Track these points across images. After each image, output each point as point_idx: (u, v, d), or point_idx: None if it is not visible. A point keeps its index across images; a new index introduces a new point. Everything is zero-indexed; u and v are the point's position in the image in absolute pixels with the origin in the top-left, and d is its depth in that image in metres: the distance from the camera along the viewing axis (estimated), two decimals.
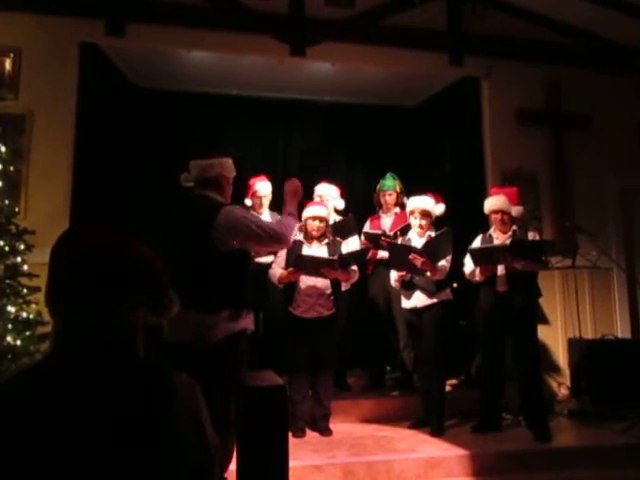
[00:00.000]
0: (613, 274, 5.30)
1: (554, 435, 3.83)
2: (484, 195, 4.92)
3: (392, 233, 4.28)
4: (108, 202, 4.63)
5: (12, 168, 3.78)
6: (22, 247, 3.57)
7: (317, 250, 3.90)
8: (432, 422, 3.93)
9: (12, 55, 4.34)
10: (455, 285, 4.27)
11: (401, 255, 3.82)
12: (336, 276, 3.82)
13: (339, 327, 4.07)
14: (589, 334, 5.01)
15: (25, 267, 3.56)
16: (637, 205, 5.65)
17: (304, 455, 3.44)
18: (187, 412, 1.03)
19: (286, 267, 3.85)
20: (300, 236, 4.00)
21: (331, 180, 4.64)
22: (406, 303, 4.02)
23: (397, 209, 4.66)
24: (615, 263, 5.13)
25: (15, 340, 3.36)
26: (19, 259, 3.55)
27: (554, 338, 5.07)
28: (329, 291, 3.87)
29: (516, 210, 4.00)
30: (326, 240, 3.95)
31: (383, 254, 4.36)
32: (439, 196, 4.29)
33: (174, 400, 1.01)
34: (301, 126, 6.14)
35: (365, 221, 4.83)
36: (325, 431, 3.89)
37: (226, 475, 2.54)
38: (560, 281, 5.07)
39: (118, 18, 4.57)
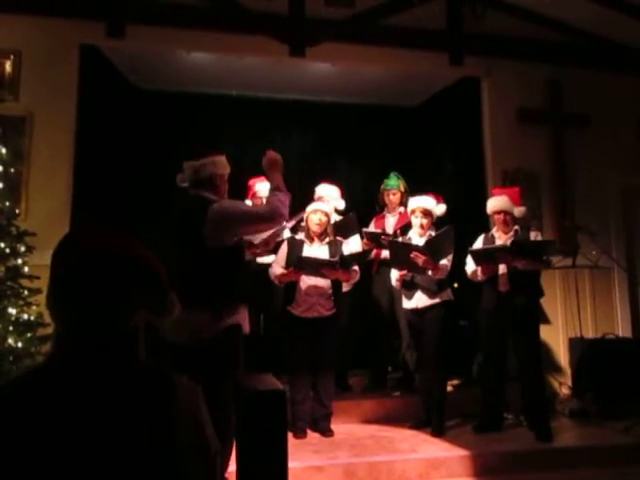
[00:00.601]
0: (614, 273, 5.29)
1: (555, 435, 3.83)
2: (484, 195, 4.93)
3: (392, 232, 4.27)
4: (109, 203, 4.64)
5: (12, 170, 3.78)
6: (23, 249, 3.57)
7: (318, 249, 3.90)
8: (433, 422, 3.93)
9: (12, 57, 4.34)
10: (456, 285, 4.27)
11: (402, 253, 3.81)
12: (337, 277, 3.83)
13: (340, 327, 4.07)
14: (590, 333, 5.00)
15: (26, 269, 3.56)
16: (638, 204, 5.64)
17: (305, 456, 3.44)
18: (188, 414, 1.03)
19: (286, 266, 3.85)
20: (301, 235, 4.00)
21: (331, 181, 4.64)
22: (407, 303, 4.02)
23: (401, 208, 4.66)
24: (616, 262, 5.12)
25: (16, 342, 3.36)
26: (20, 261, 3.55)
27: (555, 338, 5.07)
28: (330, 291, 3.87)
29: (518, 210, 4.00)
30: (327, 239, 3.95)
31: (387, 254, 4.37)
32: (440, 197, 4.29)
33: (175, 402, 1.01)
34: (301, 127, 6.14)
35: (366, 221, 4.84)
36: (326, 431, 3.89)
37: (226, 475, 2.55)
38: (561, 281, 5.07)
39: (118, 20, 4.57)
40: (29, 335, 3.46)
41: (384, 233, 4.23)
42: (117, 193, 4.88)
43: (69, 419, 0.95)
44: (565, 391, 4.83)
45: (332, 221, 4.17)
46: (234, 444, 2.51)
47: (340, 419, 4.14)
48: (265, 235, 3.19)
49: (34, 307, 3.56)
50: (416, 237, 4.01)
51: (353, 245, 4.23)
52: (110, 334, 1.03)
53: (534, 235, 4.00)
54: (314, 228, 3.90)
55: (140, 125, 5.41)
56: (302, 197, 4.88)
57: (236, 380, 2.56)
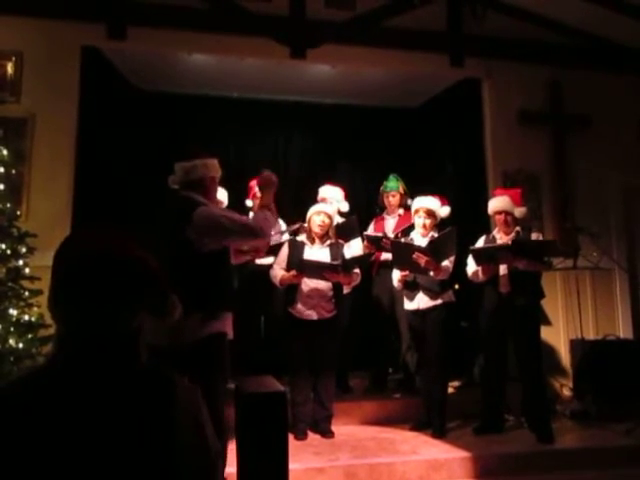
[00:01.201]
0: (615, 274, 5.29)
1: (556, 436, 3.82)
2: (485, 196, 4.93)
3: (393, 235, 4.27)
4: (110, 205, 4.64)
5: (14, 171, 3.79)
6: (24, 250, 3.58)
7: (319, 252, 3.90)
8: (434, 424, 3.93)
9: (14, 58, 4.35)
10: (457, 286, 4.27)
11: (405, 254, 3.81)
12: (338, 279, 3.82)
13: (341, 329, 4.07)
14: (591, 335, 5.00)
15: (27, 270, 3.57)
16: (639, 205, 5.64)
17: (306, 458, 3.44)
18: (188, 415, 1.03)
19: (287, 269, 3.85)
20: (302, 237, 4.00)
21: (334, 182, 4.64)
22: (409, 304, 4.01)
23: (401, 210, 4.66)
24: (617, 263, 5.12)
25: (17, 343, 3.37)
26: (21, 262, 3.56)
27: (556, 339, 5.07)
28: (330, 293, 3.87)
29: (519, 211, 4.00)
30: (329, 241, 3.95)
31: (387, 256, 4.37)
32: (445, 199, 4.29)
33: (175, 403, 1.02)
34: (302, 128, 6.15)
35: (368, 223, 4.84)
36: (327, 433, 3.89)
37: (226, 476, 2.55)
38: (562, 282, 5.07)
39: (119, 21, 4.58)
40: (30, 336, 3.46)
41: (385, 237, 4.23)
42: (118, 194, 4.88)
43: (70, 420, 0.95)
44: (566, 392, 4.82)
45: (335, 222, 4.17)
46: (228, 446, 2.51)
47: (341, 420, 4.14)
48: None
49: (35, 308, 3.56)
50: (418, 237, 4.01)
51: (354, 248, 4.23)
52: (111, 335, 1.03)
53: (535, 236, 4.00)
54: (316, 230, 3.90)
55: (141, 127, 5.42)
56: (303, 198, 4.89)
57: (225, 384, 2.55)
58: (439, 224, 4.10)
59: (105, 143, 4.81)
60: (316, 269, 3.74)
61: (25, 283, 3.54)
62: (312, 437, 3.88)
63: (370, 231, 4.65)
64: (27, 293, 3.53)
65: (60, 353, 1.05)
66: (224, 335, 2.62)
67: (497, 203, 4.01)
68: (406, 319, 4.18)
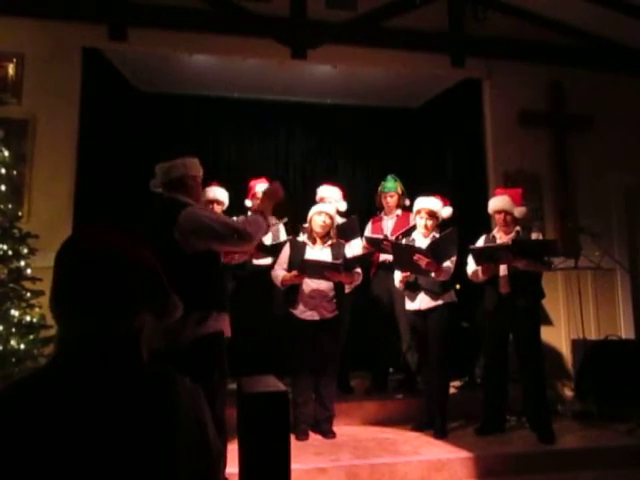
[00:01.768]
0: (616, 274, 5.29)
1: (558, 437, 3.82)
2: (486, 196, 4.92)
3: (394, 237, 4.27)
4: (111, 206, 4.65)
5: (15, 172, 3.80)
6: (25, 251, 3.58)
7: (321, 252, 3.90)
8: (436, 424, 3.92)
9: (15, 60, 4.36)
10: (458, 287, 4.26)
11: (406, 255, 3.81)
12: (340, 279, 3.82)
13: (342, 329, 4.06)
14: (593, 335, 5.00)
15: (28, 271, 3.57)
16: None
17: (307, 458, 3.44)
18: (190, 415, 1.03)
19: (289, 269, 3.85)
20: (304, 237, 4.00)
21: (333, 182, 4.64)
22: (410, 305, 4.01)
23: (399, 211, 4.66)
24: (618, 263, 5.12)
25: (18, 344, 3.37)
26: (22, 263, 3.56)
27: (558, 339, 5.07)
28: (332, 293, 3.87)
29: (519, 211, 3.99)
30: (330, 241, 3.95)
31: (385, 256, 4.37)
32: (447, 199, 4.29)
33: (177, 403, 1.02)
34: (303, 128, 6.16)
35: (367, 223, 4.84)
36: (328, 434, 3.89)
37: (227, 476, 2.55)
38: (563, 282, 5.07)
39: (120, 23, 4.59)
40: (31, 337, 3.46)
41: (386, 238, 4.23)
42: (119, 195, 4.89)
43: (72, 421, 0.96)
44: (568, 393, 4.82)
45: (335, 222, 4.17)
46: (227, 446, 2.51)
47: (342, 421, 4.14)
48: None
49: (37, 309, 3.57)
50: (420, 238, 4.01)
51: (355, 248, 4.23)
52: (113, 335, 1.04)
53: (535, 236, 4.00)
54: (318, 230, 3.90)
55: (142, 127, 5.43)
56: (304, 199, 4.90)
57: (224, 383, 2.54)
58: (441, 224, 4.09)
59: (106, 144, 4.82)
60: (317, 269, 3.74)
61: (27, 284, 3.54)
62: (313, 437, 3.88)
63: (368, 232, 4.64)
64: (29, 294, 3.53)
65: (61, 354, 1.05)
66: (221, 334, 2.62)
67: (496, 202, 4.01)
68: (407, 319, 4.18)
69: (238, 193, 4.63)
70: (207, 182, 3.82)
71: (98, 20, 4.55)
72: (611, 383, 4.44)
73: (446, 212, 4.15)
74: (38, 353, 3.48)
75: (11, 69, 4.34)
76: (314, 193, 4.56)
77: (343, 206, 4.54)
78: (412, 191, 4.63)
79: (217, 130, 5.77)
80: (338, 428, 3.98)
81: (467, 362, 4.83)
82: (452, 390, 4.50)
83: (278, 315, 4.24)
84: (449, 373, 4.10)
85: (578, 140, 5.36)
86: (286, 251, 3.92)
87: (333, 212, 3.98)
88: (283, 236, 4.47)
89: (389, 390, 4.72)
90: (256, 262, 4.29)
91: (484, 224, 4.68)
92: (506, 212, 3.95)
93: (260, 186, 4.61)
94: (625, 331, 5.23)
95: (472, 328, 4.76)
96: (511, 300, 3.86)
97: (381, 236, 4.36)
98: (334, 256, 3.87)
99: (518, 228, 4.00)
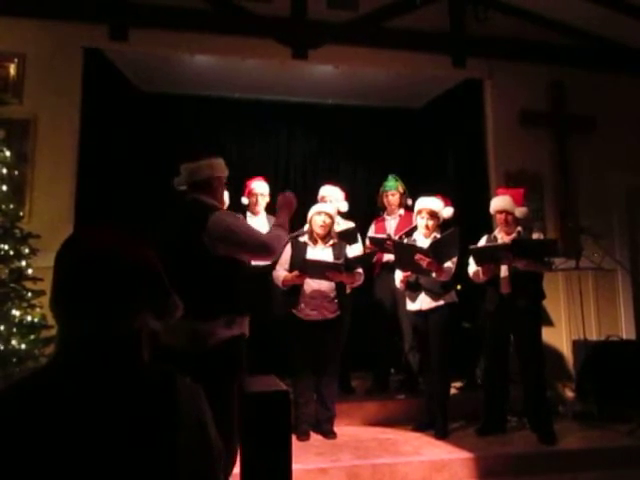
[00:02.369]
0: (617, 275, 5.28)
1: (559, 437, 3.81)
2: (488, 196, 4.92)
3: (397, 237, 4.27)
4: (112, 206, 4.65)
5: (17, 172, 3.80)
6: (26, 251, 3.58)
7: (322, 252, 3.90)
8: (437, 425, 3.92)
9: (16, 60, 4.36)
10: (459, 287, 4.26)
11: (407, 255, 3.81)
12: (341, 279, 3.82)
13: (344, 329, 4.06)
14: (594, 336, 4.99)
15: (29, 271, 3.57)
16: None
17: (308, 458, 3.44)
18: (191, 415, 1.03)
19: (290, 269, 3.85)
20: (305, 237, 4.00)
21: (335, 183, 4.65)
22: (411, 305, 4.01)
23: (401, 211, 4.67)
24: (619, 264, 5.11)
25: (19, 344, 3.37)
26: (24, 263, 3.56)
27: (558, 340, 5.06)
28: (334, 294, 3.87)
29: (520, 211, 3.99)
30: (331, 241, 3.95)
31: (389, 257, 4.36)
32: (448, 199, 4.29)
33: (178, 404, 1.02)
34: (304, 129, 6.15)
35: (368, 223, 4.84)
36: (329, 434, 3.89)
37: (230, 479, 2.55)
38: (564, 282, 5.06)
39: (121, 23, 4.59)
40: (32, 337, 3.46)
41: (389, 238, 4.23)
42: (120, 195, 4.89)
43: (72, 421, 0.96)
44: (568, 393, 4.82)
45: (335, 222, 4.17)
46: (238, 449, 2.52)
47: (343, 421, 4.14)
48: None
49: (38, 309, 3.57)
50: (421, 238, 4.01)
51: (356, 250, 4.23)
52: (113, 335, 1.04)
53: (537, 236, 3.99)
54: (318, 230, 3.90)
55: (143, 128, 5.43)
56: (306, 199, 4.89)
57: (239, 385, 2.56)
58: (442, 225, 4.09)
59: (107, 144, 4.82)
60: (319, 269, 3.74)
61: (28, 284, 3.55)
62: (314, 438, 3.88)
63: (371, 232, 4.65)
64: (30, 294, 3.53)
65: (62, 354, 1.05)
66: (244, 337, 2.64)
67: (498, 202, 4.01)
68: (408, 320, 4.18)
69: (239, 193, 4.64)
70: None
71: (99, 20, 4.55)
72: (612, 384, 4.43)
73: (447, 212, 4.15)
74: (39, 353, 3.48)
75: (12, 69, 4.34)
76: (315, 194, 4.56)
77: (344, 206, 4.54)
78: (413, 191, 4.63)
79: (218, 130, 5.76)
80: (339, 428, 3.99)
81: (468, 362, 4.83)
82: (453, 390, 4.50)
83: (278, 315, 4.24)
84: (450, 373, 4.10)
85: (579, 140, 5.36)
86: (287, 251, 3.92)
87: (332, 211, 3.98)
88: None
89: (390, 390, 4.72)
90: (254, 262, 4.29)
91: (485, 224, 4.67)
92: (507, 212, 3.95)
93: (256, 183, 4.60)
94: (626, 332, 5.22)
95: (473, 328, 4.76)
96: (512, 301, 3.85)
97: (384, 236, 4.36)
98: (335, 256, 3.87)
99: (519, 228, 4.00)
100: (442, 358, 3.89)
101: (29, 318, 3.51)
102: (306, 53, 4.92)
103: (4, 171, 3.61)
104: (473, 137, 5.43)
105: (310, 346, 3.85)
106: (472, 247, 3.90)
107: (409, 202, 4.57)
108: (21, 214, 3.81)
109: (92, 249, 1.06)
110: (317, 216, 3.90)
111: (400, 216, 4.65)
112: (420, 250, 3.77)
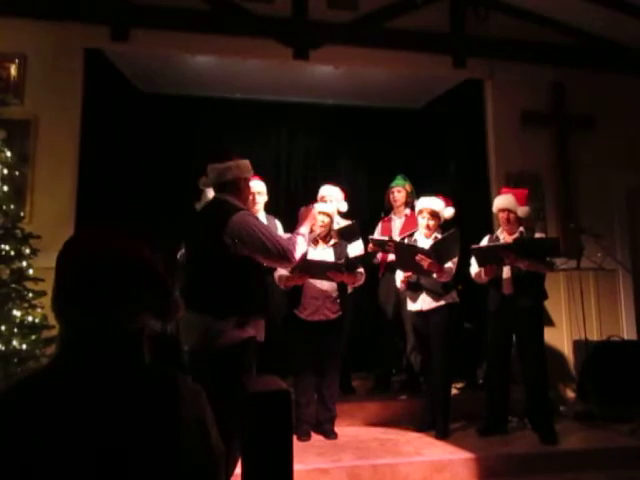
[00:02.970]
0: (618, 275, 5.28)
1: (560, 437, 3.81)
2: (489, 197, 4.92)
3: (399, 239, 4.27)
4: (113, 206, 4.65)
5: (17, 173, 3.80)
6: (27, 251, 3.59)
7: (323, 252, 3.90)
8: (438, 425, 3.92)
9: (17, 61, 4.36)
10: (460, 287, 4.26)
11: (408, 255, 3.81)
12: (342, 279, 3.82)
13: (346, 330, 4.06)
14: (595, 336, 4.99)
15: (30, 271, 3.57)
16: None
17: (309, 458, 3.44)
18: (192, 416, 1.03)
19: (292, 270, 3.84)
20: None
21: (335, 183, 4.64)
22: (412, 306, 4.01)
23: (407, 211, 4.67)
24: (620, 264, 5.11)
25: (21, 344, 3.37)
26: (24, 263, 3.56)
27: (559, 340, 5.06)
28: (335, 294, 3.87)
29: (522, 210, 3.98)
30: (332, 241, 3.95)
31: (393, 257, 4.36)
32: (449, 200, 4.29)
33: (179, 404, 1.02)
34: (305, 129, 6.15)
35: (369, 224, 4.84)
36: (330, 434, 3.88)
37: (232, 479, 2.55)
38: (565, 283, 5.05)
39: (122, 23, 4.59)
40: (34, 337, 3.47)
41: (390, 239, 4.23)
42: (121, 196, 4.89)
43: (73, 421, 0.96)
44: (570, 393, 4.81)
45: (335, 222, 4.17)
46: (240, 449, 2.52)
47: (344, 422, 4.13)
48: None
49: (39, 309, 3.57)
50: (422, 238, 4.01)
51: (357, 249, 4.22)
52: (114, 336, 1.04)
53: (539, 236, 3.99)
54: (317, 230, 3.90)
55: (144, 128, 5.43)
56: (306, 199, 4.89)
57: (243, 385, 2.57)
58: (443, 225, 4.09)
59: (108, 145, 4.82)
60: (320, 269, 3.74)
61: (29, 284, 3.55)
62: (315, 438, 3.87)
63: (377, 233, 4.66)
64: (31, 294, 3.53)
65: (63, 354, 1.05)
66: (256, 340, 2.65)
67: (500, 201, 4.02)
68: (410, 320, 4.17)
69: None
70: None
71: (100, 21, 4.55)
72: (613, 384, 4.43)
73: (448, 212, 4.15)
74: (40, 353, 3.48)
75: (13, 70, 4.35)
76: (315, 194, 4.56)
77: (344, 206, 4.54)
78: (414, 191, 4.64)
79: (219, 130, 5.76)
80: (340, 429, 3.98)
81: (470, 363, 4.82)
82: (454, 391, 4.50)
83: (277, 316, 4.24)
84: (451, 374, 4.09)
85: (580, 140, 5.35)
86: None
87: (331, 211, 3.98)
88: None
89: (391, 391, 4.72)
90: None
91: (486, 225, 4.67)
92: (509, 210, 3.95)
93: (254, 183, 4.59)
94: (627, 332, 5.21)
95: (474, 329, 4.76)
96: (514, 301, 3.85)
97: (386, 238, 4.36)
98: (337, 256, 3.87)
99: (522, 228, 3.99)
100: (443, 358, 3.88)
101: (30, 318, 3.51)
102: (307, 53, 4.92)
103: (5, 171, 3.62)
104: (474, 137, 5.43)
105: (311, 346, 3.85)
106: (474, 247, 3.90)
107: (415, 202, 4.57)
108: (22, 214, 3.81)
109: (93, 250, 1.06)
110: (317, 216, 3.89)
111: (406, 216, 4.66)
112: (421, 251, 3.77)
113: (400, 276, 4.01)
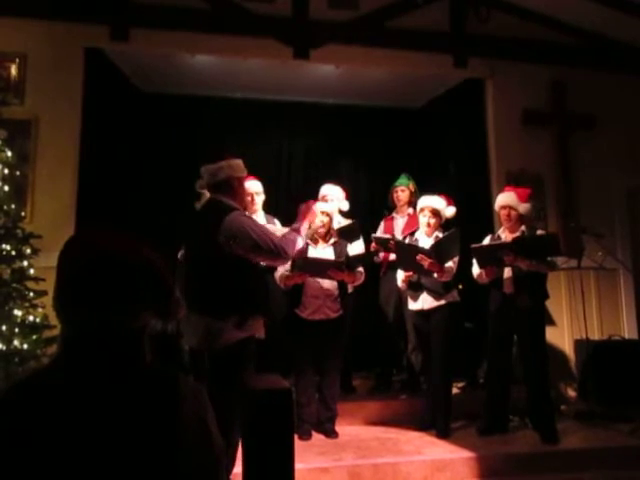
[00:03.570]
0: (619, 275, 5.27)
1: (561, 437, 3.81)
2: (489, 196, 4.92)
3: (401, 238, 4.27)
4: (114, 206, 4.65)
5: (18, 173, 3.81)
6: (28, 251, 3.59)
7: (323, 251, 3.90)
8: (438, 424, 3.92)
9: (18, 60, 4.36)
10: (461, 287, 4.26)
11: (408, 255, 3.81)
12: (342, 278, 3.82)
13: (347, 329, 4.06)
14: (596, 335, 4.99)
15: (31, 271, 3.58)
16: None
17: (310, 458, 3.44)
18: (194, 415, 1.03)
19: (291, 269, 3.85)
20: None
21: (336, 182, 4.65)
22: (413, 305, 4.01)
23: (410, 210, 4.67)
24: (621, 264, 5.10)
25: (22, 344, 3.38)
26: (25, 263, 3.57)
27: (560, 339, 5.06)
28: (336, 293, 3.87)
29: (523, 207, 3.97)
30: (332, 240, 3.95)
31: (395, 256, 4.36)
32: (450, 199, 4.29)
33: (180, 403, 1.02)
34: (305, 128, 6.15)
35: (369, 223, 4.83)
36: (331, 433, 3.89)
37: (231, 477, 2.55)
38: (566, 282, 5.05)
39: (122, 23, 4.59)
40: (35, 337, 3.47)
41: (392, 238, 4.23)
42: (122, 195, 4.89)
43: (74, 420, 0.96)
44: (571, 393, 4.81)
45: (336, 223, 4.17)
46: (238, 447, 2.53)
47: (345, 421, 4.13)
48: None
49: (40, 309, 3.58)
50: (423, 237, 4.00)
51: (356, 249, 4.22)
52: (115, 335, 1.04)
53: (537, 234, 3.98)
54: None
55: (144, 128, 5.43)
56: (306, 199, 4.89)
57: (243, 384, 2.58)
58: (444, 224, 4.09)
59: (108, 144, 4.82)
60: (320, 267, 3.74)
61: (30, 284, 3.55)
62: (316, 437, 3.88)
63: (380, 232, 4.66)
64: (32, 294, 3.54)
65: (64, 353, 1.05)
66: (255, 339, 2.66)
67: (502, 198, 4.02)
68: (410, 319, 4.17)
69: None
70: None
71: (100, 20, 4.55)
72: (614, 383, 4.43)
73: (450, 212, 4.15)
74: (41, 353, 3.49)
75: (14, 69, 4.35)
76: (316, 193, 4.56)
77: (345, 206, 4.54)
78: (418, 191, 4.64)
79: (219, 130, 5.76)
80: (341, 428, 3.99)
81: (470, 362, 4.82)
82: (455, 390, 4.49)
83: (277, 315, 4.24)
84: (452, 373, 4.09)
85: (581, 140, 5.35)
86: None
87: (331, 210, 3.98)
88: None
89: (392, 390, 4.72)
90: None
91: (487, 224, 4.67)
92: (511, 207, 3.94)
93: (250, 182, 4.58)
94: (628, 331, 5.21)
95: (475, 328, 4.76)
96: (515, 301, 3.85)
97: (388, 236, 4.36)
98: (337, 255, 3.87)
99: (523, 228, 3.99)
100: (444, 358, 3.88)
101: (31, 318, 3.51)
102: (307, 53, 4.91)
103: (5, 171, 3.62)
104: (474, 137, 5.42)
105: (312, 346, 3.85)
106: (474, 246, 3.89)
107: (419, 202, 4.57)
108: (23, 214, 3.81)
109: (94, 249, 1.06)
110: (317, 213, 3.89)
111: (409, 215, 4.66)
112: (421, 251, 3.77)
113: (401, 275, 4.01)
